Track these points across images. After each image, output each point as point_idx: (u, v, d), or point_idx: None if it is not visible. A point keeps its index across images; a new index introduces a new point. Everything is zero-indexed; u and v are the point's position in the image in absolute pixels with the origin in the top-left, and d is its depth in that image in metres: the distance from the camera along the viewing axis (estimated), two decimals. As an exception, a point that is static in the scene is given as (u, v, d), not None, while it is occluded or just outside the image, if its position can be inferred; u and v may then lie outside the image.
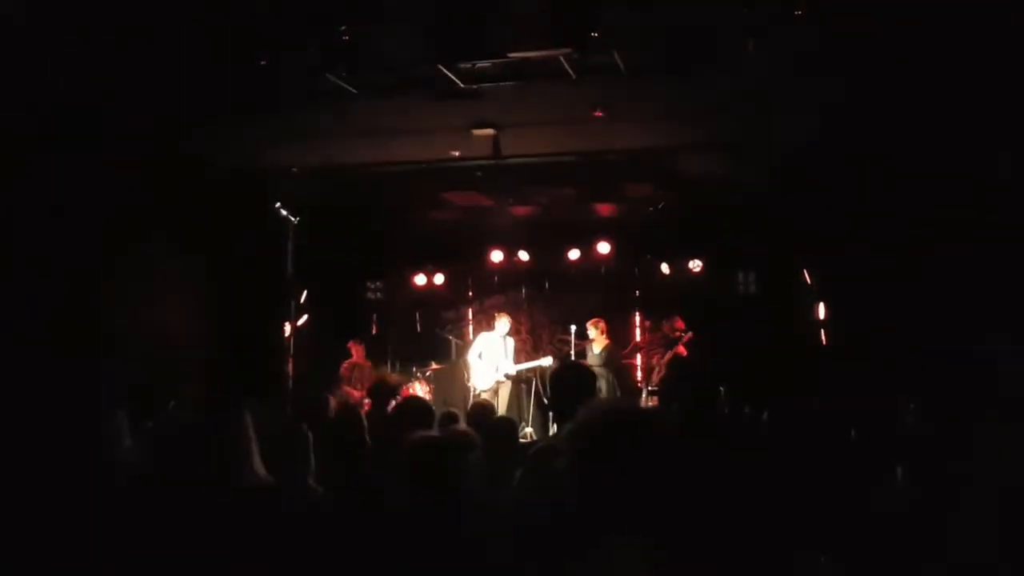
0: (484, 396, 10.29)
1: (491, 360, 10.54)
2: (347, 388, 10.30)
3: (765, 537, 2.31)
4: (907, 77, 6.41)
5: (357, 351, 10.76)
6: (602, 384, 9.33)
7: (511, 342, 10.71)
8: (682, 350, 10.12)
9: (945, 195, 7.25)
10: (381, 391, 6.66)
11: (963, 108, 6.54)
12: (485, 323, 12.17)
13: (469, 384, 10.80)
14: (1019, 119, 6.30)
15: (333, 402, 6.28)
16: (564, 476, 1.82)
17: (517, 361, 10.64)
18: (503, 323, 10.68)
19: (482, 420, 5.05)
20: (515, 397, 10.68)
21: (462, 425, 4.99)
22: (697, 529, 1.79)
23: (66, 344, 6.55)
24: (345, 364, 10.59)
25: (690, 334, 10.18)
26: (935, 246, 7.40)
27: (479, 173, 9.10)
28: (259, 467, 3.49)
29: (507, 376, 10.50)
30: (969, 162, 6.96)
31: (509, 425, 4.86)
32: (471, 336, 12.13)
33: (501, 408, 10.17)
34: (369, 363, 10.80)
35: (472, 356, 10.75)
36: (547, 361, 10.53)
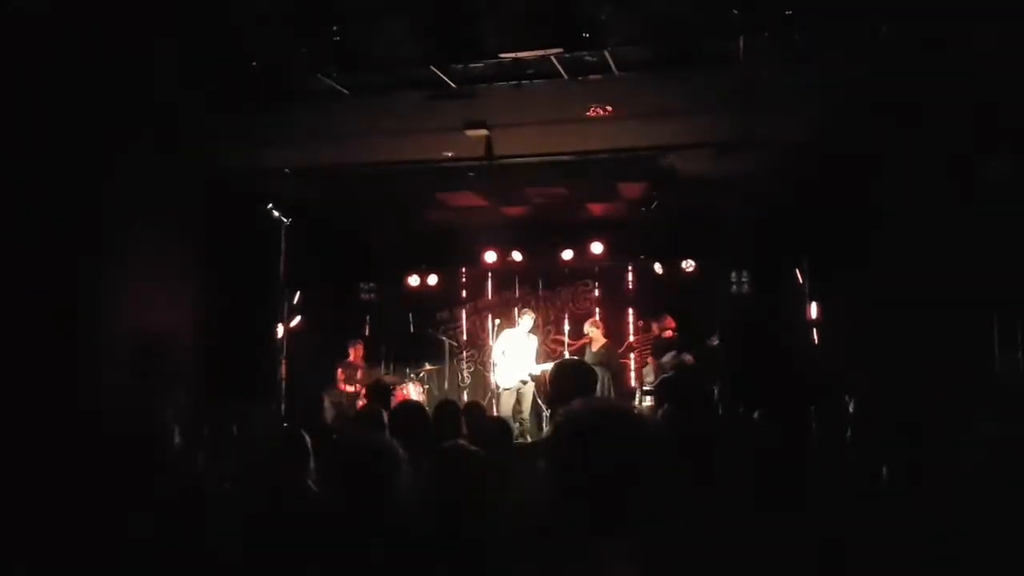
0: (506, 395, 10.17)
1: (515, 358, 10.23)
2: (341, 387, 10.29)
3: (752, 536, 2.32)
4: (900, 76, 6.43)
5: (355, 351, 10.76)
6: (600, 384, 9.29)
7: (534, 340, 10.49)
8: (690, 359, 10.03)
9: (941, 194, 7.27)
10: (380, 392, 6.65)
11: (960, 108, 6.55)
12: (480, 324, 12.17)
13: (492, 382, 10.67)
14: (1013, 122, 6.31)
15: (328, 403, 6.29)
16: (545, 476, 1.81)
17: (538, 361, 10.50)
18: (527, 319, 10.39)
19: (477, 421, 5.04)
20: (536, 397, 10.47)
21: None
22: (682, 529, 1.78)
23: (56, 344, 6.53)
24: (340, 364, 10.59)
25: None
26: (930, 245, 7.41)
27: (472, 173, 9.10)
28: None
29: (531, 376, 10.29)
30: (964, 162, 6.97)
31: (502, 427, 4.85)
32: (465, 336, 12.13)
33: (524, 409, 10.10)
34: (363, 363, 10.79)
35: (496, 354, 10.48)
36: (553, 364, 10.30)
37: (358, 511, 2.70)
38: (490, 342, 11.15)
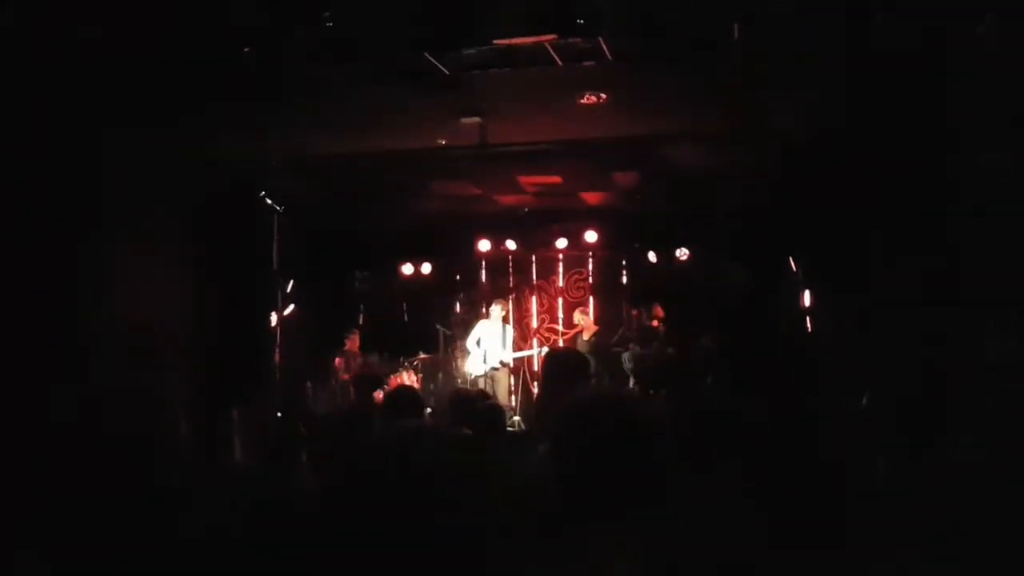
0: (479, 384, 10.31)
1: (488, 348, 10.48)
2: (342, 377, 10.28)
3: (747, 526, 2.31)
4: (893, 68, 6.41)
5: (352, 341, 10.75)
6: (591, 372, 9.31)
7: (510, 330, 10.66)
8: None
9: (935, 185, 7.27)
10: (365, 381, 6.66)
11: (951, 102, 6.55)
12: (474, 312, 12.17)
13: (464, 371, 10.77)
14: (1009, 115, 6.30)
15: (310, 391, 6.28)
16: (544, 464, 1.80)
17: (515, 350, 10.62)
18: (497, 310, 10.63)
19: (469, 408, 5.02)
20: (513, 385, 10.62)
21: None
22: (678, 518, 1.78)
23: (45, 337, 6.50)
24: (338, 353, 10.58)
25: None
26: (925, 235, 7.42)
27: (466, 162, 9.07)
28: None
29: (503, 364, 10.42)
30: (957, 154, 6.97)
31: (495, 412, 4.84)
32: (459, 325, 12.14)
33: (500, 396, 10.18)
34: (360, 353, 10.78)
35: (470, 343, 10.71)
36: (545, 351, 10.48)
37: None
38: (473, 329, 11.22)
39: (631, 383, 10.38)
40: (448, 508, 2.90)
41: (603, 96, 7.25)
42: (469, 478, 3.21)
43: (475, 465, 3.44)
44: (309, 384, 9.68)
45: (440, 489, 2.96)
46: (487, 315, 10.86)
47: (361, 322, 11.87)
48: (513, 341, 10.72)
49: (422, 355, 11.19)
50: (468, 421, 4.36)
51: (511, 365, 10.51)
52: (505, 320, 10.70)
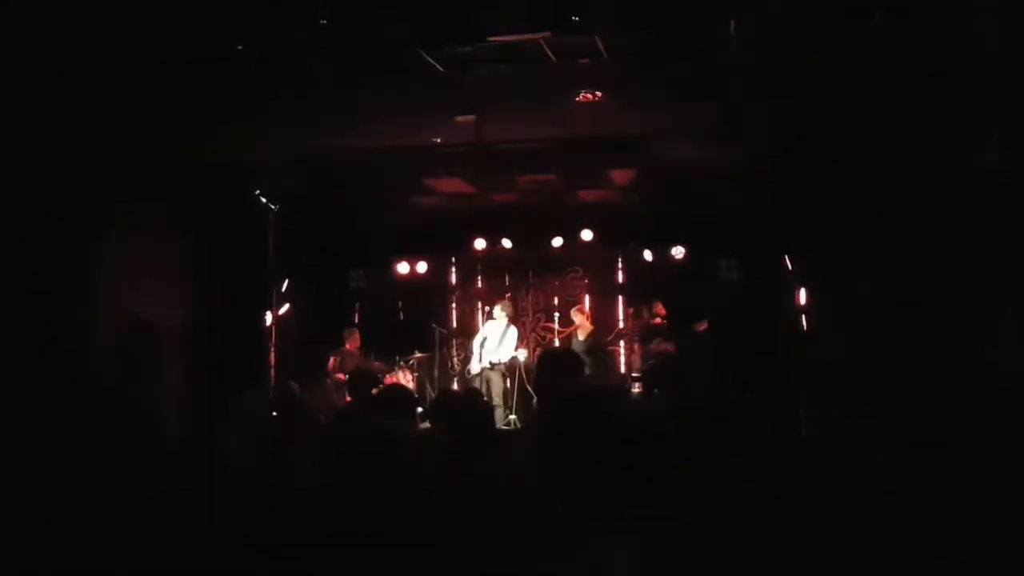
0: (475, 381, 10.43)
1: (491, 346, 10.58)
2: (339, 376, 10.24)
3: (743, 522, 2.29)
4: (893, 68, 6.40)
5: (351, 340, 10.71)
6: (586, 371, 9.29)
7: (513, 331, 10.66)
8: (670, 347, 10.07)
9: (935, 185, 7.25)
10: (362, 379, 6.63)
11: (951, 102, 6.53)
12: (470, 311, 12.17)
13: (466, 368, 10.84)
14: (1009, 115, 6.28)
15: (297, 390, 6.26)
16: (534, 458, 1.77)
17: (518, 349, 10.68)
18: (499, 311, 10.65)
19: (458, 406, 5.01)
20: (508, 384, 10.64)
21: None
22: (678, 518, 1.75)
23: (43, 337, 6.46)
24: (334, 353, 10.54)
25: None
26: (922, 233, 7.40)
27: (461, 160, 9.04)
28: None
29: (492, 364, 10.44)
30: (957, 154, 6.95)
31: (480, 411, 4.82)
32: (455, 324, 12.14)
33: (494, 395, 10.20)
34: (359, 352, 10.74)
35: (476, 342, 10.84)
36: (522, 354, 10.50)
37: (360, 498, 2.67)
38: (480, 329, 11.24)
39: (628, 382, 10.37)
40: (435, 506, 2.88)
41: (599, 94, 7.23)
42: (451, 477, 3.19)
43: (455, 464, 3.42)
44: (304, 383, 9.64)
45: (421, 487, 2.94)
46: (490, 315, 10.91)
47: (357, 321, 11.83)
48: (515, 342, 10.71)
49: (418, 354, 11.16)
50: (450, 419, 4.33)
51: (504, 364, 10.48)
52: (511, 322, 10.73)
